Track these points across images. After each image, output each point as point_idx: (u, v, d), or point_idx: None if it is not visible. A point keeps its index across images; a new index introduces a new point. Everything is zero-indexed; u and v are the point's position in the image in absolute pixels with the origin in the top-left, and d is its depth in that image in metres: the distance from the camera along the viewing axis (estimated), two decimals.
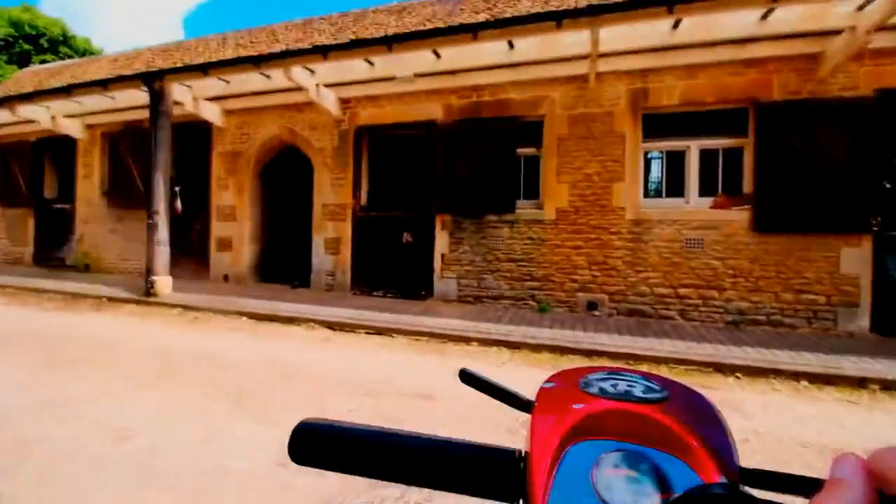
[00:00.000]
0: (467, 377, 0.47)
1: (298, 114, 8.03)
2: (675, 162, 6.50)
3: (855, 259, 5.50)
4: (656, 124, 6.32)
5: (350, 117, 7.72)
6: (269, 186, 8.89)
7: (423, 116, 7.25)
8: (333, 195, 7.77)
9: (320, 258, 7.83)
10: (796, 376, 4.11)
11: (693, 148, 6.21)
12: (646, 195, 6.78)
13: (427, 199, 7.19)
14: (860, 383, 3.94)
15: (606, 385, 0.39)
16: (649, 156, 6.78)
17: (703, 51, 5.86)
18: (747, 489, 0.28)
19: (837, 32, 5.24)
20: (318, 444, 0.42)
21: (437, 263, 7.12)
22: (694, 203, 6.19)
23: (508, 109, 6.82)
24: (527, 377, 3.89)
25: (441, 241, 7.11)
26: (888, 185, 5.40)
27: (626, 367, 0.53)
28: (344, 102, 7.71)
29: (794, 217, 5.63)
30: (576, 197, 6.49)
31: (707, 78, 6.00)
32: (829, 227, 5.54)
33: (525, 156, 6.89)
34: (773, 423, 3.16)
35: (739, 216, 5.90)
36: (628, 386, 0.39)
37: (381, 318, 5.70)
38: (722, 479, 0.30)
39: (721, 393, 3.80)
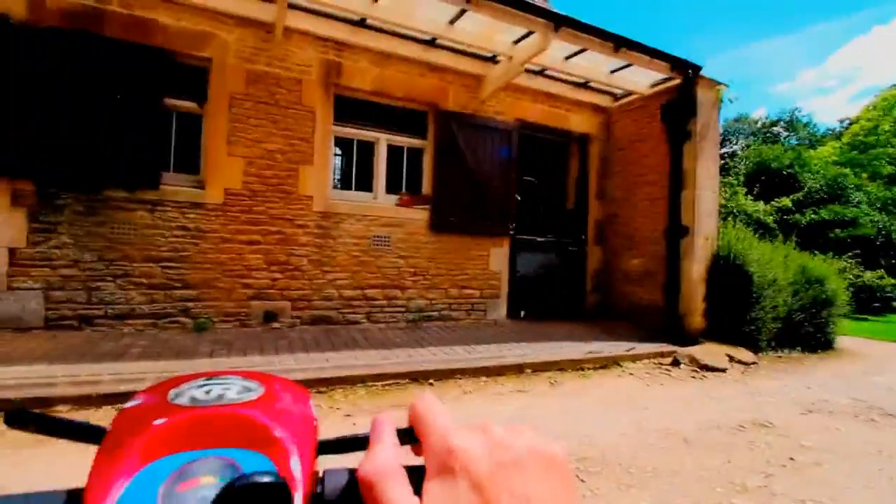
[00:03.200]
0: (17, 419, 0.37)
1: None
2: (364, 153, 6.08)
3: (499, 258, 6.53)
4: (349, 108, 5.70)
5: None
6: None
7: None
8: None
9: None
10: (476, 373, 4.25)
11: (382, 141, 5.94)
12: (334, 185, 6.10)
13: None
14: (519, 370, 4.43)
15: (199, 392, 0.36)
16: (340, 142, 6.12)
17: (397, 41, 5.61)
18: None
19: (497, 62, 6.03)
20: None
21: (2, 264, 4.14)
22: (382, 199, 5.93)
23: (154, 37, 4.64)
24: None
25: (10, 227, 4.17)
26: (519, 198, 6.67)
27: (231, 370, 0.43)
28: None
29: (461, 219, 6.17)
30: (253, 177, 5.07)
31: (398, 71, 5.82)
32: (484, 230, 6.37)
33: (180, 111, 4.90)
34: None
35: (420, 215, 6.01)
36: (224, 389, 0.37)
37: None
38: (269, 469, 0.30)
39: None
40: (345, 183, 6.25)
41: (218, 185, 4.90)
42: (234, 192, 4.97)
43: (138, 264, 4.57)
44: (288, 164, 5.22)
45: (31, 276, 4.20)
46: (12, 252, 4.15)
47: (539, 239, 6.94)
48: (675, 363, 4.99)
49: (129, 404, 0.39)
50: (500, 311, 6.57)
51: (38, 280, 4.22)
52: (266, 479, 0.25)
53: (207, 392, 0.37)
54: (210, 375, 0.41)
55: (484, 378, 4.23)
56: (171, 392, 0.37)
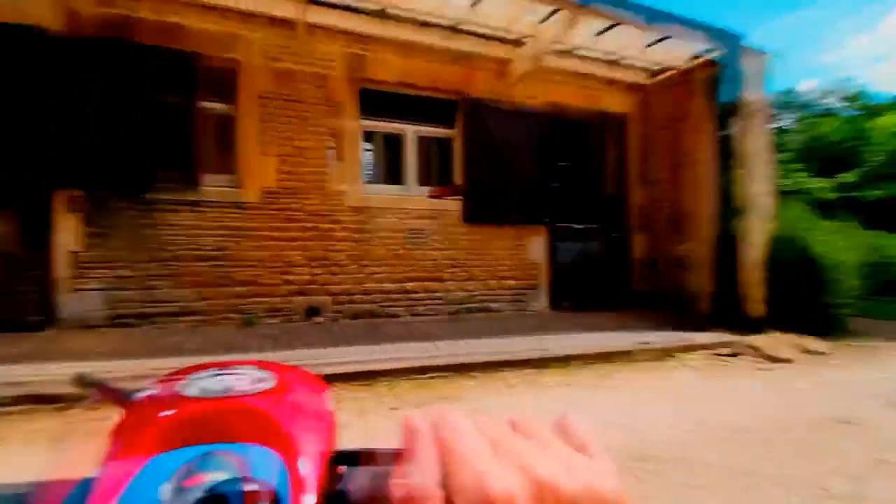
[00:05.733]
0: (83, 382, 0.47)
1: None
2: (393, 146, 6.01)
3: (537, 247, 6.33)
4: (375, 101, 5.64)
5: None
6: None
7: (22, 18, 4.22)
8: None
9: None
10: (520, 365, 4.12)
11: (411, 133, 5.86)
12: (366, 180, 6.07)
13: (35, 164, 4.26)
14: (565, 361, 4.26)
15: (210, 383, 0.36)
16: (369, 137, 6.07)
17: (419, 30, 5.49)
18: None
19: (524, 44, 5.79)
20: None
21: (64, 268, 4.34)
22: (414, 191, 5.86)
23: (184, 41, 4.73)
24: None
25: (68, 233, 4.36)
26: (555, 185, 6.43)
27: (245, 360, 0.42)
28: None
29: (494, 209, 6.02)
30: (287, 175, 5.10)
31: (423, 61, 5.70)
32: (520, 219, 6.18)
33: (213, 113, 4.98)
34: None
35: (454, 206, 5.90)
36: (236, 380, 0.36)
37: None
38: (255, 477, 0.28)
39: (466, 403, 3.33)
40: (378, 177, 6.22)
41: (254, 185, 4.96)
42: (270, 191, 5.02)
43: (187, 264, 4.69)
44: (320, 161, 5.22)
45: (92, 277, 4.40)
46: (75, 256, 4.35)
47: (578, 226, 6.68)
48: (735, 354, 4.67)
49: (141, 394, 0.38)
50: (542, 301, 6.38)
51: (97, 281, 4.41)
52: (252, 486, 0.25)
53: (218, 382, 0.36)
54: (223, 365, 0.40)
55: (528, 370, 4.09)
56: (182, 382, 0.36)
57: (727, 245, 5.56)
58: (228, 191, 4.90)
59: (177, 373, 0.40)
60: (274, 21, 4.98)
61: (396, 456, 0.23)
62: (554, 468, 0.21)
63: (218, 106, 4.95)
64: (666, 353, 4.60)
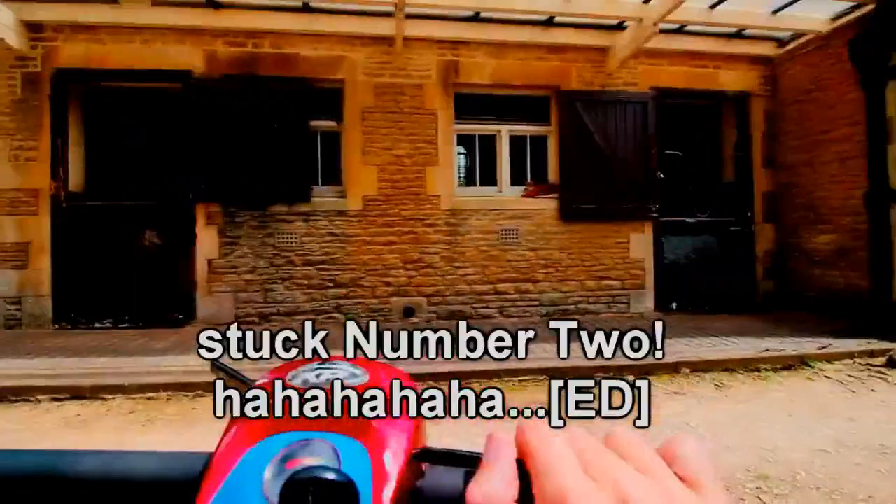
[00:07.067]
0: (215, 367, 0.52)
1: None
2: (486, 147, 6.05)
3: (641, 244, 5.90)
4: (468, 104, 5.73)
5: (45, 55, 4.98)
6: None
7: (172, 64, 5.11)
8: (14, 175, 4.91)
9: None
10: (620, 370, 3.86)
11: (504, 133, 5.84)
12: (459, 183, 6.20)
13: (183, 184, 5.11)
14: (674, 369, 3.90)
15: (311, 376, 0.40)
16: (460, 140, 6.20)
17: (512, 29, 5.46)
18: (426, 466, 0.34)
19: (624, 28, 5.44)
20: None
21: (202, 273, 5.13)
22: (507, 191, 5.83)
23: (298, 69, 5.29)
24: None
25: (207, 242, 5.14)
26: (662, 176, 5.93)
27: (342, 357, 0.45)
28: (33, 30, 4.93)
29: (593, 205, 5.73)
30: (385, 183, 5.42)
31: (516, 59, 5.66)
32: (621, 215, 5.81)
33: (322, 130, 5.49)
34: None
35: (549, 205, 5.75)
36: (331, 374, 0.40)
37: (81, 369, 3.53)
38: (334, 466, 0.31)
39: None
40: (470, 179, 6.33)
41: (357, 193, 5.36)
42: (371, 198, 5.38)
43: (299, 268, 5.24)
44: (415, 167, 5.46)
45: (224, 281, 5.13)
46: (210, 263, 5.12)
47: (690, 220, 6.07)
48: (893, 364, 3.87)
49: (257, 381, 0.43)
50: (647, 303, 5.92)
51: (228, 284, 5.14)
52: (330, 476, 0.27)
53: (318, 376, 0.40)
54: (328, 361, 0.44)
55: (631, 378, 3.83)
56: (290, 374, 0.41)
57: (881, 234, 4.63)
58: (334, 200, 5.36)
59: (285, 365, 0.45)
60: (374, 39, 5.34)
61: (479, 461, 0.23)
62: (650, 498, 0.19)
63: (326, 123, 5.45)
64: (800, 362, 3.98)
